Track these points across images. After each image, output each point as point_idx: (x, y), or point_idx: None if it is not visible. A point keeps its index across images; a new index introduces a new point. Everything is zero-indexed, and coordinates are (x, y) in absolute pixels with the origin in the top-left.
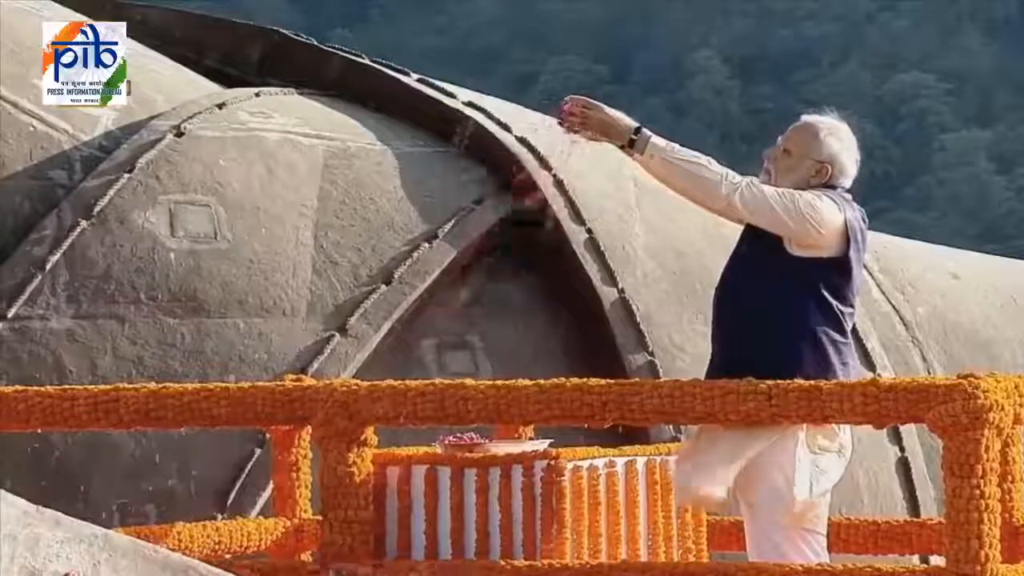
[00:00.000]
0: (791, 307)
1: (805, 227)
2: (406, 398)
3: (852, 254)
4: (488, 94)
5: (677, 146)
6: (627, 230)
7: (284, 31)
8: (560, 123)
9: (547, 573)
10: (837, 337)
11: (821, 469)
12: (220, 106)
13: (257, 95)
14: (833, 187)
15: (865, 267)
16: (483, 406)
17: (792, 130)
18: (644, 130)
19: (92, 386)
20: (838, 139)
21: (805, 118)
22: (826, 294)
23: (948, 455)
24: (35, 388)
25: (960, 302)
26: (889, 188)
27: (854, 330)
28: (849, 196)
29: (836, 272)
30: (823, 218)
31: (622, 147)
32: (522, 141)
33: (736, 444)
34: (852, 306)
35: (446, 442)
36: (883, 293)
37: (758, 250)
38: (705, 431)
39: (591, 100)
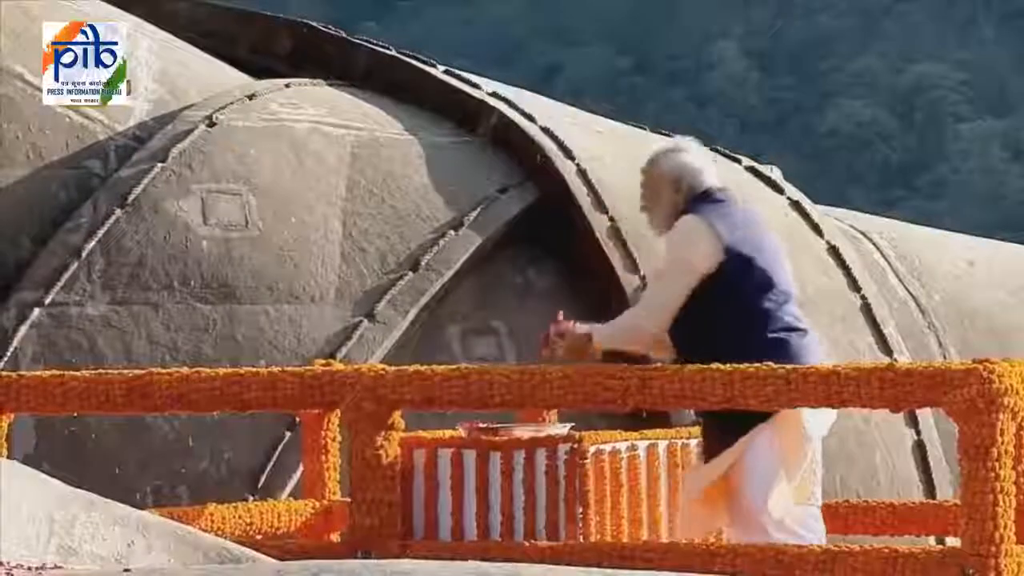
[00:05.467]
0: (724, 336)
1: (693, 276)
2: (432, 382)
3: (743, 249)
4: (512, 85)
5: (609, 328)
6: None
7: (313, 24)
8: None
9: (570, 553)
10: (781, 335)
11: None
12: (251, 97)
13: (287, 86)
14: (707, 195)
15: (882, 254)
16: (508, 390)
17: (641, 178)
18: (593, 334)
19: (127, 370)
20: (676, 151)
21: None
22: (752, 300)
23: (964, 438)
24: (71, 372)
25: (975, 289)
26: (905, 177)
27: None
28: (724, 196)
29: (741, 275)
30: (689, 255)
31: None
32: (546, 131)
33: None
34: (779, 287)
35: (468, 428)
36: (900, 280)
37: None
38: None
39: (567, 329)
